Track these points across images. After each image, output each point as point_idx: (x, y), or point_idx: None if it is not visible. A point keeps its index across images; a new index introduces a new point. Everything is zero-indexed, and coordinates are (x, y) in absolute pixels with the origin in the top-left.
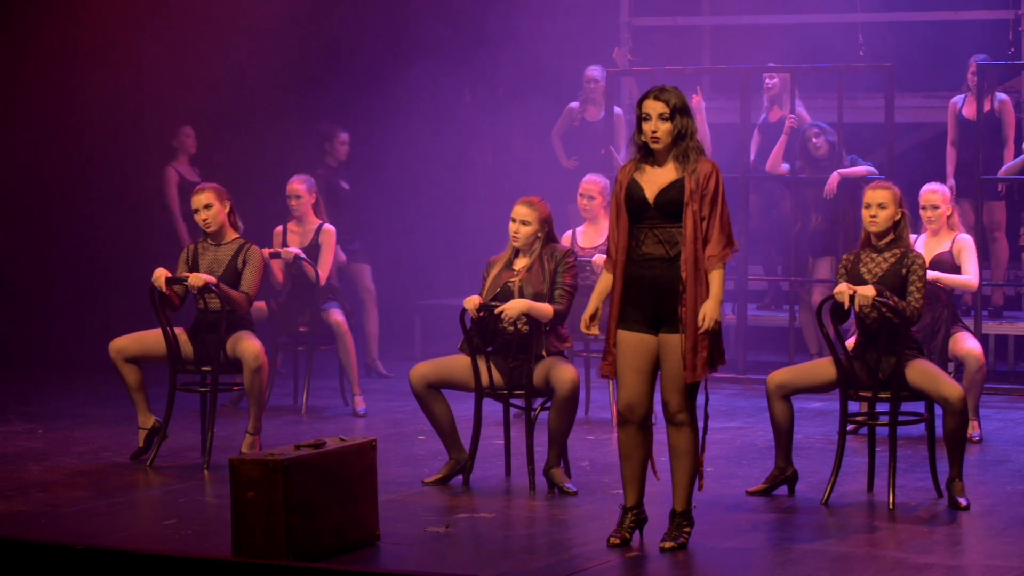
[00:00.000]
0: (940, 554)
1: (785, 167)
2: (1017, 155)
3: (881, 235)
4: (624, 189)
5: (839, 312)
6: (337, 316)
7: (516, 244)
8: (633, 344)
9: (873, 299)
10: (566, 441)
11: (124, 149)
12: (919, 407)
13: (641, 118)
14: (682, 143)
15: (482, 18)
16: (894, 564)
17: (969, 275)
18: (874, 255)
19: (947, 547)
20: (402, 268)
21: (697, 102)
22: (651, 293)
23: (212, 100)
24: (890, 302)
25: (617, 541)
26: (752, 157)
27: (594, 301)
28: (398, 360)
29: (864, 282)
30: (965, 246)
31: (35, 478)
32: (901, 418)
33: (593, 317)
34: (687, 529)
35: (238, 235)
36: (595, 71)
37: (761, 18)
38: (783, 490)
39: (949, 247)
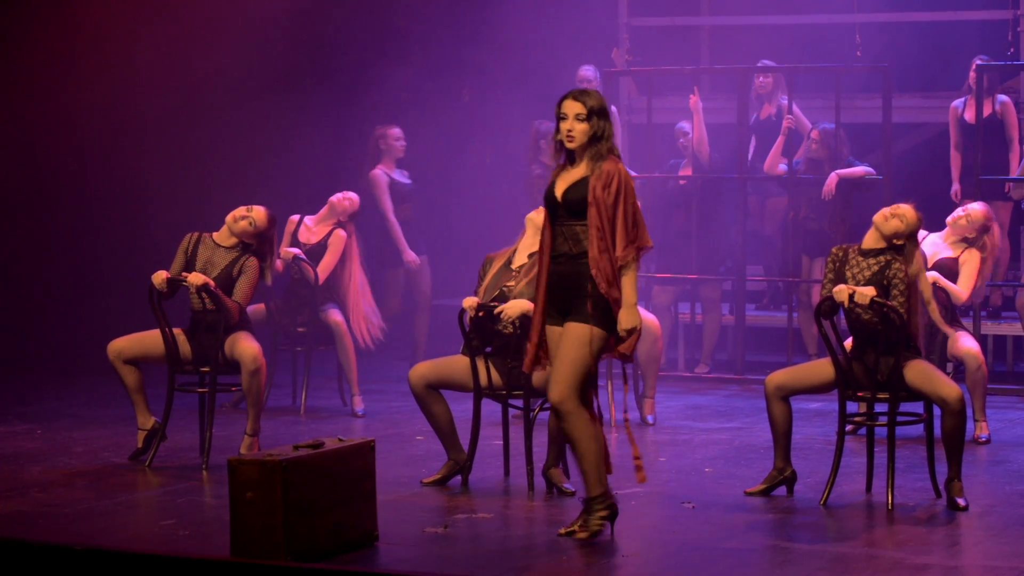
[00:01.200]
0: (938, 554)
1: (783, 167)
2: (1022, 156)
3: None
4: (547, 188)
5: (829, 308)
6: (336, 316)
7: (534, 217)
8: (553, 338)
9: (872, 299)
10: (566, 442)
11: (122, 149)
12: (918, 407)
13: (559, 117)
14: (597, 144)
15: (481, 17)
16: (892, 564)
17: (962, 289)
18: (860, 259)
19: (945, 547)
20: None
21: (694, 102)
22: (558, 289)
23: (208, 98)
24: (888, 304)
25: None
26: (750, 156)
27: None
28: (397, 360)
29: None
30: (971, 259)
31: (34, 478)
32: (900, 419)
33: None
34: (601, 513)
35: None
36: (588, 71)
37: (759, 18)
38: (782, 490)
39: (957, 255)
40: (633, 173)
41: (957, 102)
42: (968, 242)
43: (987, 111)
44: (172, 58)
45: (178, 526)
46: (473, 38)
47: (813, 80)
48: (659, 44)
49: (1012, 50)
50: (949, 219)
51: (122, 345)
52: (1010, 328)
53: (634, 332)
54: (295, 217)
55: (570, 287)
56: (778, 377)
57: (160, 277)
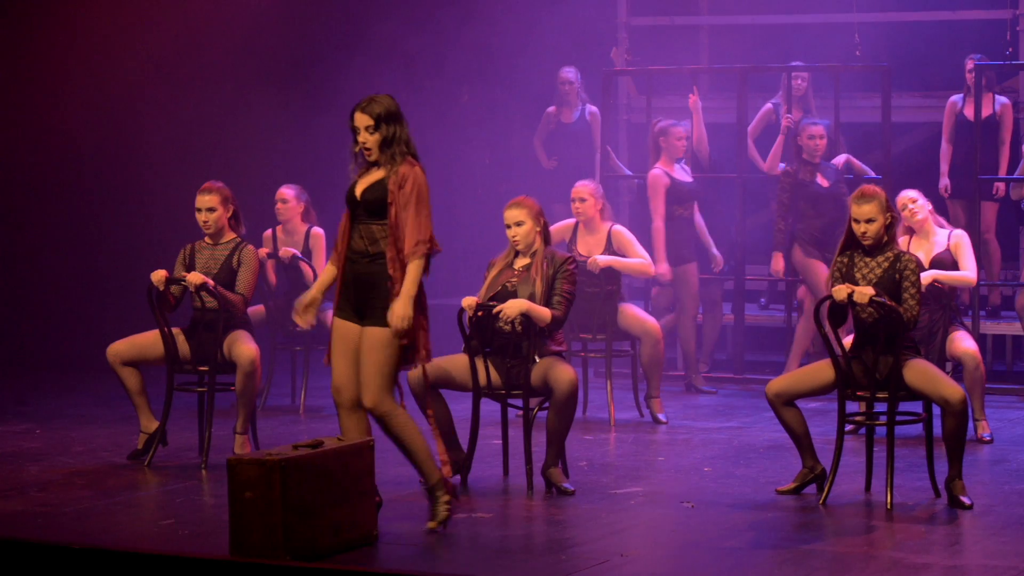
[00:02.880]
0: (938, 554)
1: (782, 167)
2: (1013, 158)
3: (874, 246)
4: (348, 188)
5: (837, 314)
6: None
7: (518, 247)
8: (342, 331)
9: (870, 298)
10: (564, 441)
11: (120, 150)
12: (917, 407)
13: (352, 130)
14: (389, 148)
15: (480, 17)
16: (891, 564)
17: (968, 271)
18: (867, 259)
19: (945, 547)
20: None
21: (694, 102)
22: (354, 287)
23: (205, 96)
24: (888, 303)
25: None
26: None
27: (313, 290)
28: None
29: None
30: (962, 242)
31: (33, 478)
32: (899, 418)
33: (308, 306)
34: (445, 498)
35: (234, 235)
36: (568, 72)
37: (758, 18)
38: (779, 490)
39: (946, 245)
40: (631, 173)
41: (956, 97)
42: (938, 224)
43: (987, 111)
44: (167, 57)
45: (177, 525)
46: (472, 38)
47: (812, 79)
48: (658, 43)
49: (1011, 50)
50: (906, 220)
51: (120, 348)
52: (1009, 327)
53: (404, 321)
54: (269, 232)
55: (366, 287)
56: (777, 384)
57: (159, 275)
